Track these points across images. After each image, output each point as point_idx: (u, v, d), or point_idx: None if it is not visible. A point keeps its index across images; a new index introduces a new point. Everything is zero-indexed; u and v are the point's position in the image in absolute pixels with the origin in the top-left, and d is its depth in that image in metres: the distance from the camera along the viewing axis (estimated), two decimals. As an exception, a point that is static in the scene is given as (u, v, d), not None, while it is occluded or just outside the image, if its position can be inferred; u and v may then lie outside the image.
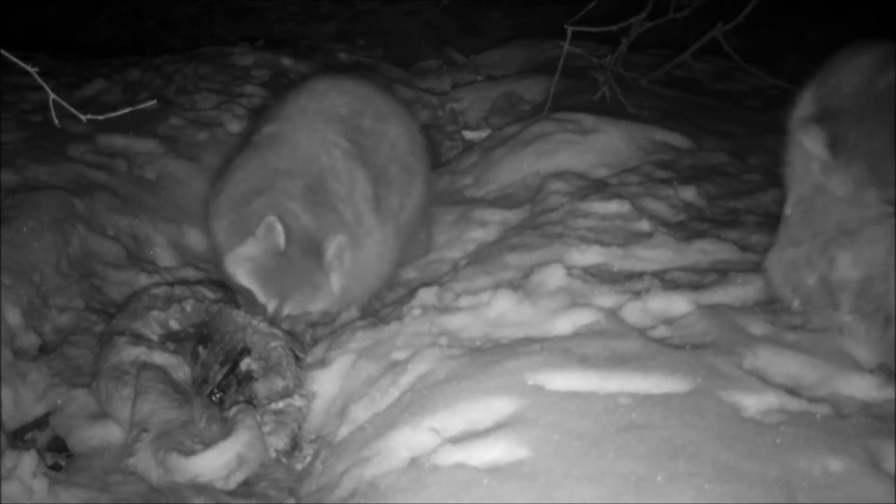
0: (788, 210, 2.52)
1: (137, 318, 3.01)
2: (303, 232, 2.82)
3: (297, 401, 2.72)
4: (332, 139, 3.03)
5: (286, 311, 2.90)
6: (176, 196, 3.98)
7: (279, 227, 2.75)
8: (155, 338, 2.97)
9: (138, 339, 2.91)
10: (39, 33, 6.63)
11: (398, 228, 3.19)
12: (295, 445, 2.65)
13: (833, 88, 2.30)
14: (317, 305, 2.94)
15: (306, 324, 3.18)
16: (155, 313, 3.02)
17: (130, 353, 2.84)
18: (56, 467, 2.62)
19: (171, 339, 3.00)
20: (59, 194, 3.54)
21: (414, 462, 2.11)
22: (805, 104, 2.37)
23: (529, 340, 2.48)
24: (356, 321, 3.04)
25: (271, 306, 2.88)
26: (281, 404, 2.71)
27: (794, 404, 2.13)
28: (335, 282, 2.88)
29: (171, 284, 3.20)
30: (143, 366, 2.80)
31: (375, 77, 5.28)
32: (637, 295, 2.66)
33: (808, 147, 2.27)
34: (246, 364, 2.81)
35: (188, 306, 3.06)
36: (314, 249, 2.83)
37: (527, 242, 3.17)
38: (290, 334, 2.99)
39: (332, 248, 2.83)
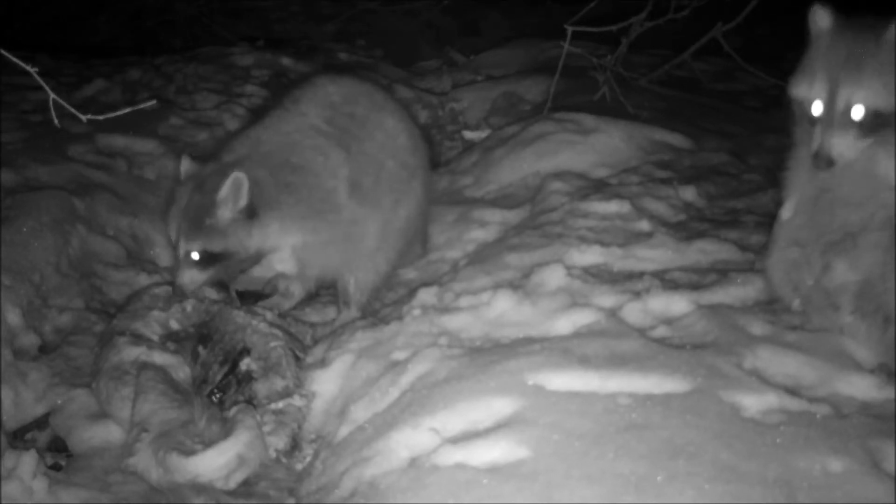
0: (787, 213, 2.52)
1: (138, 318, 3.01)
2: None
3: (297, 401, 2.72)
4: (313, 122, 3.06)
5: (182, 248, 2.86)
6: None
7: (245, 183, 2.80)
8: (155, 338, 2.97)
9: (138, 339, 2.91)
10: (39, 33, 6.63)
11: (389, 223, 3.17)
12: (295, 445, 2.65)
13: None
14: (211, 245, 2.85)
15: (307, 324, 3.19)
16: (156, 313, 3.02)
17: (130, 353, 2.84)
18: (56, 467, 2.62)
19: (172, 339, 3.00)
20: (59, 194, 3.54)
21: (414, 462, 2.11)
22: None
23: (529, 340, 2.48)
24: (356, 321, 3.05)
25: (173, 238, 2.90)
26: (281, 404, 2.71)
27: (794, 404, 2.13)
28: (224, 218, 2.83)
29: (172, 284, 3.20)
30: (143, 366, 2.80)
31: (375, 77, 5.28)
32: (637, 295, 2.66)
33: (816, 21, 2.28)
34: (246, 364, 2.81)
35: (189, 306, 3.06)
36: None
37: (527, 242, 3.17)
38: (290, 334, 2.99)
39: (226, 183, 2.79)
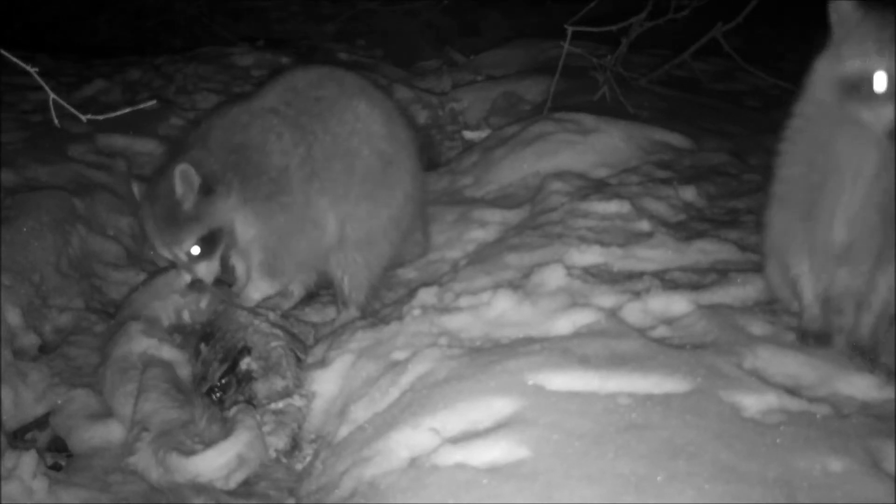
0: (776, 222, 2.50)
1: (159, 297, 3.03)
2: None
3: (297, 401, 2.72)
4: (271, 105, 3.05)
5: (181, 252, 2.90)
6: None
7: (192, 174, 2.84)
8: (167, 322, 2.99)
9: (152, 325, 2.94)
10: (39, 33, 6.63)
11: (371, 215, 3.12)
12: (295, 445, 2.66)
13: None
14: (199, 231, 2.89)
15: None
16: (175, 297, 3.06)
17: (141, 343, 2.86)
18: (56, 467, 2.63)
19: (179, 331, 3.02)
20: (59, 194, 3.54)
21: (414, 462, 2.11)
22: None
23: (529, 340, 2.48)
24: (356, 321, 3.04)
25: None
26: (281, 404, 2.71)
27: (794, 404, 2.13)
28: (191, 206, 2.86)
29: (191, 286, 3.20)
30: (150, 361, 2.81)
31: (375, 77, 5.28)
32: (637, 295, 2.66)
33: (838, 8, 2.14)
34: (246, 363, 2.81)
35: (203, 302, 3.07)
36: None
37: (527, 242, 3.17)
38: (293, 335, 2.99)
39: (175, 180, 2.83)
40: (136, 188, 3.03)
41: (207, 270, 2.95)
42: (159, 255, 3.05)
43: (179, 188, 2.84)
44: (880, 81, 2.07)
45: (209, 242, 2.92)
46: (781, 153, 2.39)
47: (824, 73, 2.19)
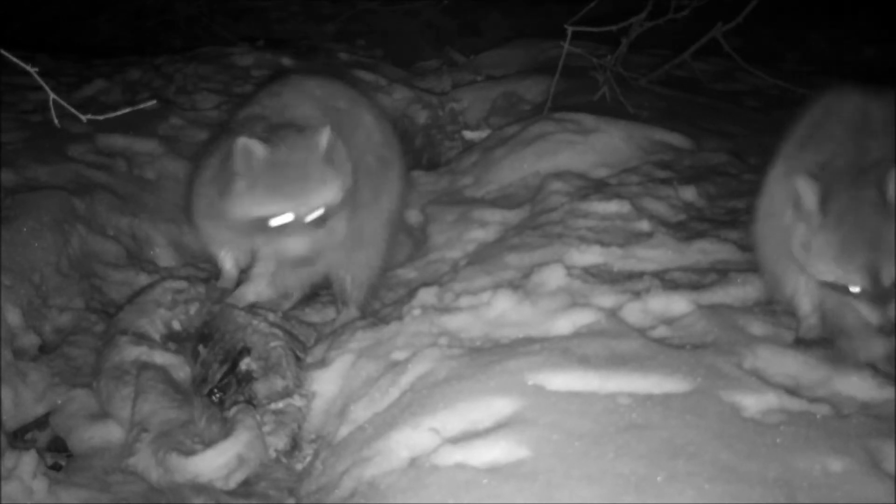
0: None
1: (145, 314, 3.01)
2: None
3: (297, 401, 2.72)
4: (309, 112, 2.99)
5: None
6: (176, 196, 3.96)
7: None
8: (157, 336, 2.97)
9: (140, 338, 2.92)
10: (39, 33, 6.63)
11: (372, 217, 3.13)
12: (295, 445, 2.66)
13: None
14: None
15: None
16: (162, 311, 3.03)
17: (131, 352, 2.84)
18: (56, 467, 2.62)
19: (173, 339, 3.01)
20: (59, 194, 3.54)
21: (414, 462, 2.11)
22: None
23: (529, 340, 2.48)
24: (356, 321, 3.04)
25: None
26: (281, 404, 2.71)
27: (794, 404, 2.13)
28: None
29: (188, 280, 3.19)
30: (144, 366, 2.80)
31: (375, 77, 5.30)
32: (637, 295, 2.66)
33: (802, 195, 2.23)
34: (246, 364, 2.81)
35: (192, 309, 3.06)
36: None
37: (527, 242, 3.17)
38: (292, 335, 2.99)
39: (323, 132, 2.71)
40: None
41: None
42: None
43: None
44: (854, 290, 2.21)
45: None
46: (761, 198, 2.48)
47: (797, 248, 2.28)
